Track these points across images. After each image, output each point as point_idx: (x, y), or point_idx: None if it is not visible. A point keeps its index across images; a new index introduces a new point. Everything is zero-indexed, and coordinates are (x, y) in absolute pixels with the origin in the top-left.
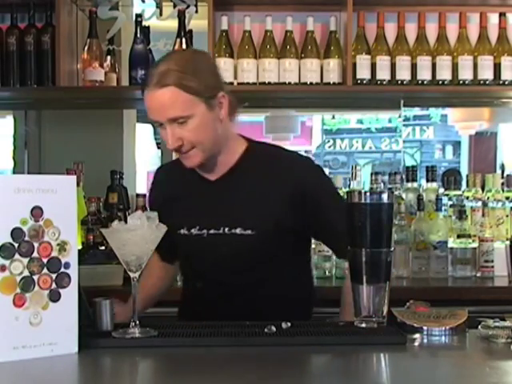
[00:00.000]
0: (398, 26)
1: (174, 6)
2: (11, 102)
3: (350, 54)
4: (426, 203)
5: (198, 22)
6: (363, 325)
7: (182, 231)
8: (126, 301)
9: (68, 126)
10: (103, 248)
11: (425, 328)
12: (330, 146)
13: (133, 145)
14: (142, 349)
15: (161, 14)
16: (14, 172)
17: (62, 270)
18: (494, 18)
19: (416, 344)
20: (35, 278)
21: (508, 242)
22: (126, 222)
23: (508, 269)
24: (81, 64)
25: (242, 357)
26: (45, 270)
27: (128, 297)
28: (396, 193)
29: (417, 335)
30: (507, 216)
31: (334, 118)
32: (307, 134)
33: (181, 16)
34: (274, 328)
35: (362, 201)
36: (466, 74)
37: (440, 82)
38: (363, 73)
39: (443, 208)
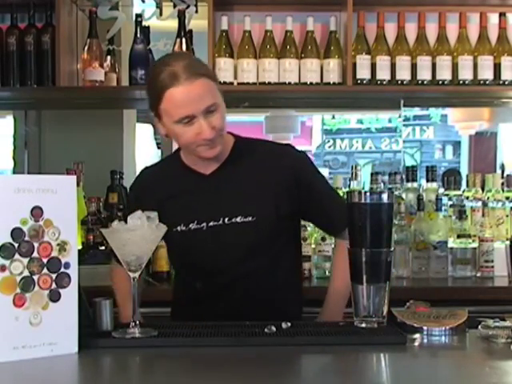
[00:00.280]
0: (398, 25)
1: (174, 6)
2: (11, 102)
3: (350, 54)
4: (426, 203)
5: (197, 22)
6: (363, 325)
7: (179, 228)
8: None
9: (68, 125)
10: (103, 248)
11: (425, 328)
12: (330, 146)
13: (133, 145)
14: (142, 349)
15: (161, 14)
16: (14, 172)
17: (62, 270)
18: (493, 18)
19: (416, 344)
20: (35, 278)
21: (508, 242)
22: (126, 221)
23: (508, 269)
24: (81, 64)
25: (241, 357)
26: (45, 270)
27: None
28: (396, 193)
29: (417, 335)
30: (507, 216)
31: (333, 118)
32: (307, 134)
33: (181, 16)
34: (274, 328)
35: (362, 201)
36: (465, 74)
37: (440, 82)
38: (363, 73)
39: (443, 208)
